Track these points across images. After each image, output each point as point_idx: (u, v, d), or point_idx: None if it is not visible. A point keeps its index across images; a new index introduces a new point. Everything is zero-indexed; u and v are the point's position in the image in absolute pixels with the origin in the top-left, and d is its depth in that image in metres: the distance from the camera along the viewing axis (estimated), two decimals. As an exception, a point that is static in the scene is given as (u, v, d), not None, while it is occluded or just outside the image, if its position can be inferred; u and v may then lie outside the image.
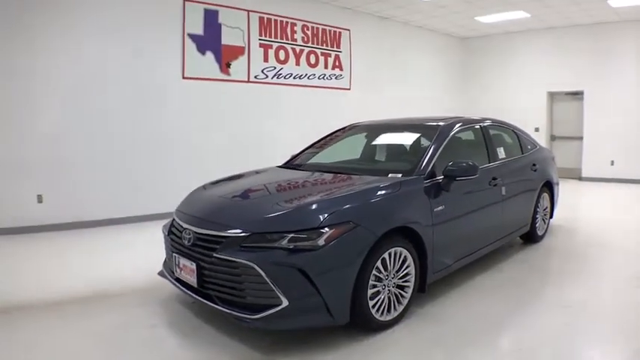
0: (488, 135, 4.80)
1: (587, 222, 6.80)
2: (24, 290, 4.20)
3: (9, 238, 5.94)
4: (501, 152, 4.87)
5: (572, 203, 8.16)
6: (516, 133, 5.50)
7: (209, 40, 7.63)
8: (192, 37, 7.43)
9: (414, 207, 3.50)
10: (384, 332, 3.26)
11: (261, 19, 8.28)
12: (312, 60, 9.18)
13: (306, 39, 9.02)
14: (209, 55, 7.66)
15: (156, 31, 7.07)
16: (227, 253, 2.97)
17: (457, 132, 4.34)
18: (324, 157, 4.74)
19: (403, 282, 3.40)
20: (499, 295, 4.00)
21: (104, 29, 6.59)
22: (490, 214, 4.42)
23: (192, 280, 3.25)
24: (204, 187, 4.21)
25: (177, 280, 3.49)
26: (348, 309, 3.01)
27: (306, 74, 9.11)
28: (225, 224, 3.15)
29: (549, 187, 5.76)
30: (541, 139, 10.75)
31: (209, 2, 7.55)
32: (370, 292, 3.13)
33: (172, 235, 3.61)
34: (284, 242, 2.90)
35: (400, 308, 3.39)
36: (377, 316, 3.20)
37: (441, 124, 4.32)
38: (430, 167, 3.75)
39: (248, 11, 8.07)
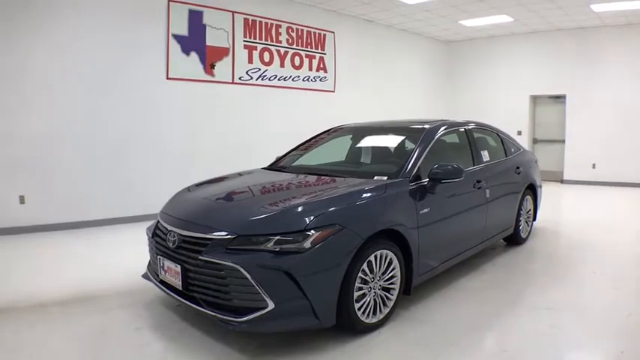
0: (473, 138, 4.84)
1: (569, 224, 6.90)
2: (4, 292, 4.12)
3: (-11, 240, 5.83)
4: (485, 155, 4.90)
5: (554, 206, 8.28)
6: (500, 136, 5.55)
7: (194, 40, 7.59)
8: (177, 37, 7.38)
9: (400, 209, 3.51)
10: (370, 334, 3.27)
11: (245, 20, 8.26)
12: (297, 62, 9.18)
13: (290, 41, 9.01)
14: (193, 55, 7.62)
15: (140, 31, 7.00)
16: (212, 256, 2.95)
17: (442, 135, 4.37)
18: (309, 160, 4.74)
19: (389, 284, 3.41)
20: (483, 297, 4.02)
21: (88, 29, 6.51)
22: (474, 216, 4.46)
23: (177, 282, 3.22)
24: (188, 189, 4.18)
25: (162, 282, 3.46)
26: (334, 311, 3.01)
27: (291, 76, 9.11)
28: (211, 226, 3.13)
29: (532, 189, 5.82)
30: (524, 142, 10.89)
31: (194, 3, 7.51)
32: (356, 294, 3.13)
33: (157, 237, 3.57)
34: (270, 245, 2.89)
35: (386, 310, 3.40)
36: (363, 318, 3.21)
37: (426, 126, 4.35)
38: (415, 170, 3.78)
39: (233, 12, 8.04)
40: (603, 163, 10.87)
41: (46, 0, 6.17)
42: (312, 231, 2.95)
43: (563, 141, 11.42)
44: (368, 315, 3.25)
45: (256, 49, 8.46)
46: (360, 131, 5.13)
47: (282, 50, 8.88)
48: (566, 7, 9.19)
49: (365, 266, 3.18)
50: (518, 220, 5.43)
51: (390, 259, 3.38)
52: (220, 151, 7.95)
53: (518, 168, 5.41)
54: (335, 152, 4.96)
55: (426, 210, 3.67)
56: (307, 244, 2.89)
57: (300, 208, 3.15)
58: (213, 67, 7.87)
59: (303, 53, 9.25)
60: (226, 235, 2.99)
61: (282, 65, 8.92)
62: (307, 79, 9.41)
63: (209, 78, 7.86)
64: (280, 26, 8.81)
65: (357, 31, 10.36)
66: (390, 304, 3.43)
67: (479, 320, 3.56)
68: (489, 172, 4.77)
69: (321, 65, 9.66)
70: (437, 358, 2.99)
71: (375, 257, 3.25)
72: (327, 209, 3.13)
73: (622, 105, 10.51)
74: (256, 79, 8.52)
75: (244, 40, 8.27)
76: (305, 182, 3.95)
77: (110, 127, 6.81)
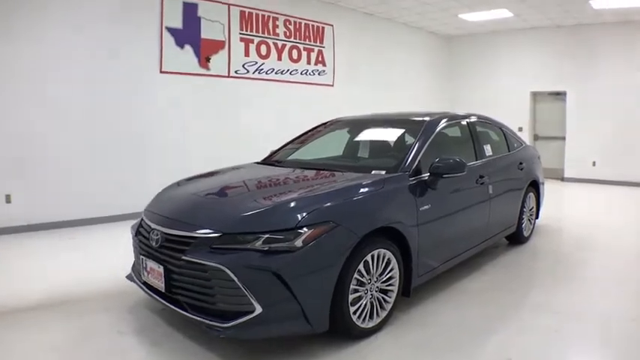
0: (475, 131, 4.64)
1: (572, 223, 6.70)
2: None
3: (-27, 240, 5.60)
4: (488, 149, 4.71)
5: (556, 204, 8.08)
6: (503, 131, 5.37)
7: (188, 33, 7.36)
8: (171, 30, 7.15)
9: (399, 206, 3.30)
10: (366, 340, 3.06)
11: (242, 12, 8.03)
12: (295, 55, 8.95)
13: (288, 34, 8.78)
14: (188, 48, 7.39)
15: (133, 23, 6.78)
16: (196, 256, 2.73)
17: (443, 128, 4.16)
18: (304, 154, 4.52)
19: (387, 286, 3.20)
20: (486, 299, 3.83)
21: (78, 21, 6.28)
22: (477, 213, 4.26)
23: (159, 284, 3.02)
24: (177, 183, 3.97)
25: (146, 284, 3.26)
26: (328, 316, 2.80)
27: (289, 69, 8.87)
28: (195, 224, 2.92)
29: (535, 186, 5.64)
30: (525, 139, 10.68)
31: (188, -6, 7.30)
32: (351, 297, 2.92)
33: (140, 236, 3.36)
34: (258, 243, 2.67)
35: (383, 314, 3.19)
36: (358, 322, 3.00)
37: (426, 119, 4.14)
38: (416, 164, 3.56)
39: (229, 5, 7.82)
40: (603, 161, 10.71)
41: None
42: (304, 228, 2.73)
43: (564, 138, 11.26)
44: (364, 319, 3.04)
45: (253, 42, 8.24)
46: (358, 124, 4.91)
47: (280, 43, 8.66)
48: (565, 3, 9.03)
49: (361, 267, 2.97)
50: (520, 218, 5.23)
51: (388, 258, 3.16)
52: (215, 146, 7.72)
53: (521, 164, 5.22)
54: (331, 146, 4.77)
55: (426, 207, 3.45)
56: (298, 242, 2.68)
57: (291, 204, 2.93)
58: (208, 60, 7.65)
59: (301, 46, 9.03)
60: (211, 233, 2.78)
61: (279, 58, 8.69)
62: (305, 73, 9.17)
63: (204, 71, 7.64)
64: (278, 19, 8.59)
65: (356, 25, 10.13)
66: (388, 307, 3.22)
67: (481, 324, 3.36)
68: (492, 167, 4.58)
69: (320, 58, 9.43)
70: (437, 366, 2.79)
71: (372, 257, 3.04)
72: (320, 205, 2.91)
73: (622, 103, 10.33)
74: (253, 73, 8.29)
75: (240, 33, 8.05)
76: (299, 177, 3.73)
77: (100, 122, 6.58)
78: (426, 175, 3.56)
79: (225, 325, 2.65)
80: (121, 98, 6.77)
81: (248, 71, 8.22)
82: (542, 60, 11.34)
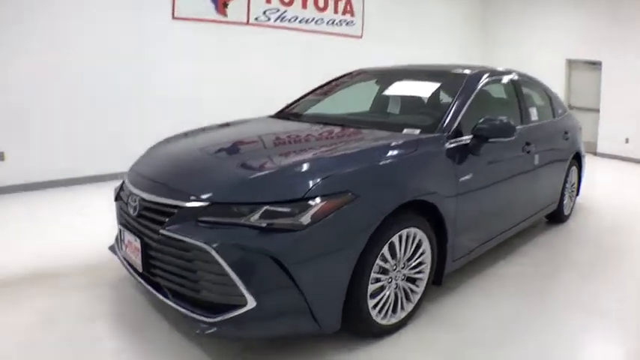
0: (521, 91, 3.97)
1: (611, 204, 5.95)
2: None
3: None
4: (534, 113, 4.05)
5: (591, 181, 7.38)
6: (547, 94, 4.71)
7: (204, -25, 6.67)
8: (185, -31, 6.46)
9: (435, 174, 2.69)
10: (386, 339, 2.50)
11: (265, -48, 7.28)
12: (321, 3, 8.20)
13: (314, -21, 8.04)
14: (204, -9, 6.73)
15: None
16: (176, 230, 2.15)
17: (485, 84, 3.47)
18: (325, 107, 3.89)
19: (415, 273, 2.60)
20: (527, 289, 3.26)
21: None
22: (521, 186, 3.63)
23: (137, 261, 2.46)
24: (167, 140, 3.38)
25: (125, 259, 2.70)
26: (340, 312, 2.22)
27: (314, 18, 8.15)
28: (179, 189, 2.33)
29: (578, 159, 5.01)
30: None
31: None
32: (371, 287, 2.33)
33: (120, 201, 2.80)
34: (255, 217, 2.07)
35: (409, 307, 2.61)
36: (379, 319, 2.42)
37: (467, 72, 3.46)
38: (456, 124, 2.91)
39: (250, -57, 7.08)
40: (637, 138, 9.92)
41: None
42: (317, 199, 2.13)
43: (598, 110, 10.53)
44: (385, 314, 2.46)
45: (276, -13, 7.53)
46: (389, 75, 4.19)
47: (305, -11, 7.94)
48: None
49: (385, 250, 2.36)
50: (563, 194, 4.61)
51: (420, 240, 2.56)
52: (230, 100, 7.06)
53: (566, 133, 4.57)
54: (357, 99, 4.17)
55: (467, 177, 2.83)
56: (306, 218, 2.07)
57: (300, 168, 2.30)
58: (226, 5, 6.96)
59: (328, -7, 8.29)
60: (197, 202, 2.19)
61: (304, 6, 7.96)
62: (332, 23, 8.45)
63: (221, 18, 6.96)
64: (304, -38, 7.83)
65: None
66: (416, 298, 2.64)
67: (524, 322, 2.80)
68: (539, 133, 3.93)
69: (348, 8, 8.68)
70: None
71: (400, 238, 2.44)
72: (336, 170, 2.28)
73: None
74: (274, 21, 7.60)
75: (262, -24, 7.33)
76: (315, 134, 3.09)
77: (105, 75, 5.99)
78: (467, 138, 2.92)
79: (211, 320, 2.08)
80: (129, 48, 6.17)
81: (269, 19, 7.53)
82: (579, 26, 10.51)
